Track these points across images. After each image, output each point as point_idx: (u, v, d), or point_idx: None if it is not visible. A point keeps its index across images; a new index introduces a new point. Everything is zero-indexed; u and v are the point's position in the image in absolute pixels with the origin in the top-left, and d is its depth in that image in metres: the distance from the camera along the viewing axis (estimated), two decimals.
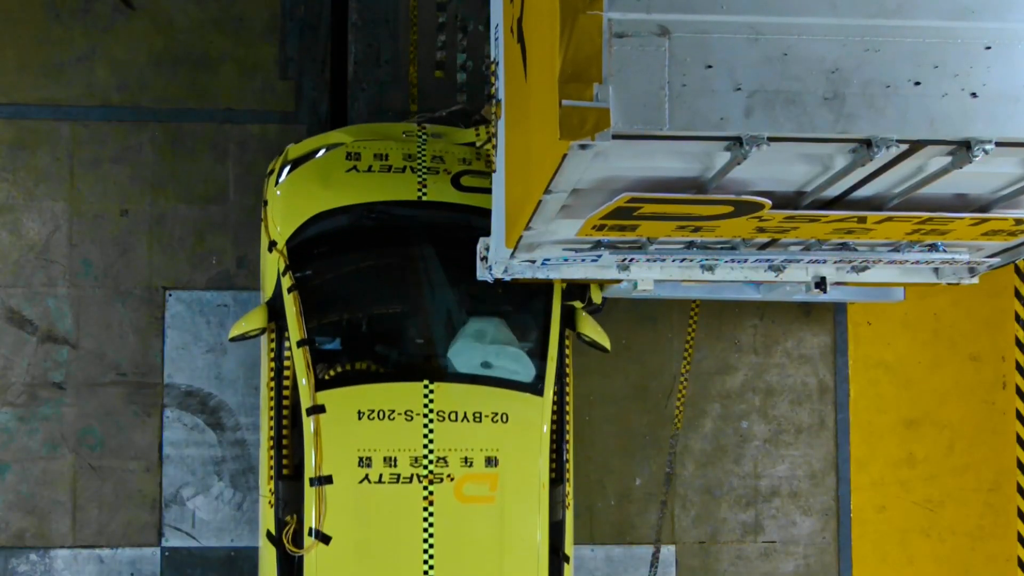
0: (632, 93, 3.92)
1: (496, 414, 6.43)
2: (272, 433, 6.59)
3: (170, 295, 8.41)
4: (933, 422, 8.75)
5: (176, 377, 8.37)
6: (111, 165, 8.47)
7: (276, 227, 6.74)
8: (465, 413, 6.41)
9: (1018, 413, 8.78)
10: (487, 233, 5.88)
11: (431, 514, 6.31)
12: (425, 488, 6.33)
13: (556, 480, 6.60)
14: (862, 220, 4.78)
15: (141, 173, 8.48)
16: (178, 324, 8.40)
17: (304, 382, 6.36)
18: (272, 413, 6.61)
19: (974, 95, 4.04)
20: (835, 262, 5.82)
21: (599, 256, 5.50)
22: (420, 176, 6.86)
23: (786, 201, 4.66)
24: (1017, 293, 8.84)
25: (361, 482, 6.31)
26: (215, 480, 8.32)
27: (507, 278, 6.03)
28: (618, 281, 6.30)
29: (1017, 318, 8.82)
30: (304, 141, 7.29)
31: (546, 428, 6.49)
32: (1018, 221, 4.82)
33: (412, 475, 6.32)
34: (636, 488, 8.56)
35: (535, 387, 6.54)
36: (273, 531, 6.51)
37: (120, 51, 8.56)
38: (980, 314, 8.81)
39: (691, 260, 5.69)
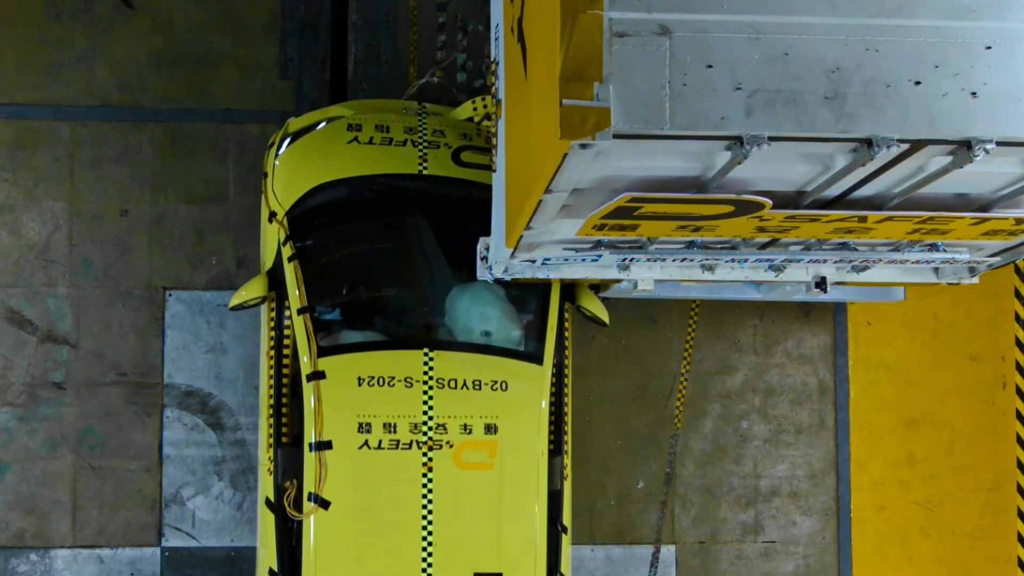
0: (633, 92, 3.92)
1: (495, 382, 6.43)
2: (272, 401, 6.61)
3: (170, 295, 8.41)
4: (933, 422, 8.75)
5: (176, 377, 8.37)
6: (111, 165, 8.46)
7: (276, 198, 6.74)
8: (465, 381, 6.40)
9: (1018, 413, 8.78)
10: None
11: (430, 480, 6.31)
12: (424, 454, 6.32)
13: (555, 451, 6.60)
14: (863, 220, 4.78)
15: (141, 173, 8.48)
16: (178, 324, 8.40)
17: (305, 350, 6.36)
18: (272, 382, 6.62)
19: (974, 95, 4.04)
20: (835, 262, 5.82)
21: (599, 256, 5.50)
22: (421, 150, 6.86)
23: (787, 201, 4.66)
24: (1017, 293, 8.83)
25: (360, 448, 6.30)
26: (215, 480, 8.31)
27: (507, 278, 6.03)
28: (618, 281, 6.30)
29: (1017, 318, 8.82)
30: (305, 115, 7.28)
31: (545, 398, 6.49)
32: (1018, 221, 4.83)
33: (411, 441, 6.31)
34: (636, 488, 8.56)
35: (535, 356, 6.54)
36: (272, 498, 6.51)
37: (120, 51, 8.56)
38: (980, 314, 8.81)
39: (691, 260, 5.69)
